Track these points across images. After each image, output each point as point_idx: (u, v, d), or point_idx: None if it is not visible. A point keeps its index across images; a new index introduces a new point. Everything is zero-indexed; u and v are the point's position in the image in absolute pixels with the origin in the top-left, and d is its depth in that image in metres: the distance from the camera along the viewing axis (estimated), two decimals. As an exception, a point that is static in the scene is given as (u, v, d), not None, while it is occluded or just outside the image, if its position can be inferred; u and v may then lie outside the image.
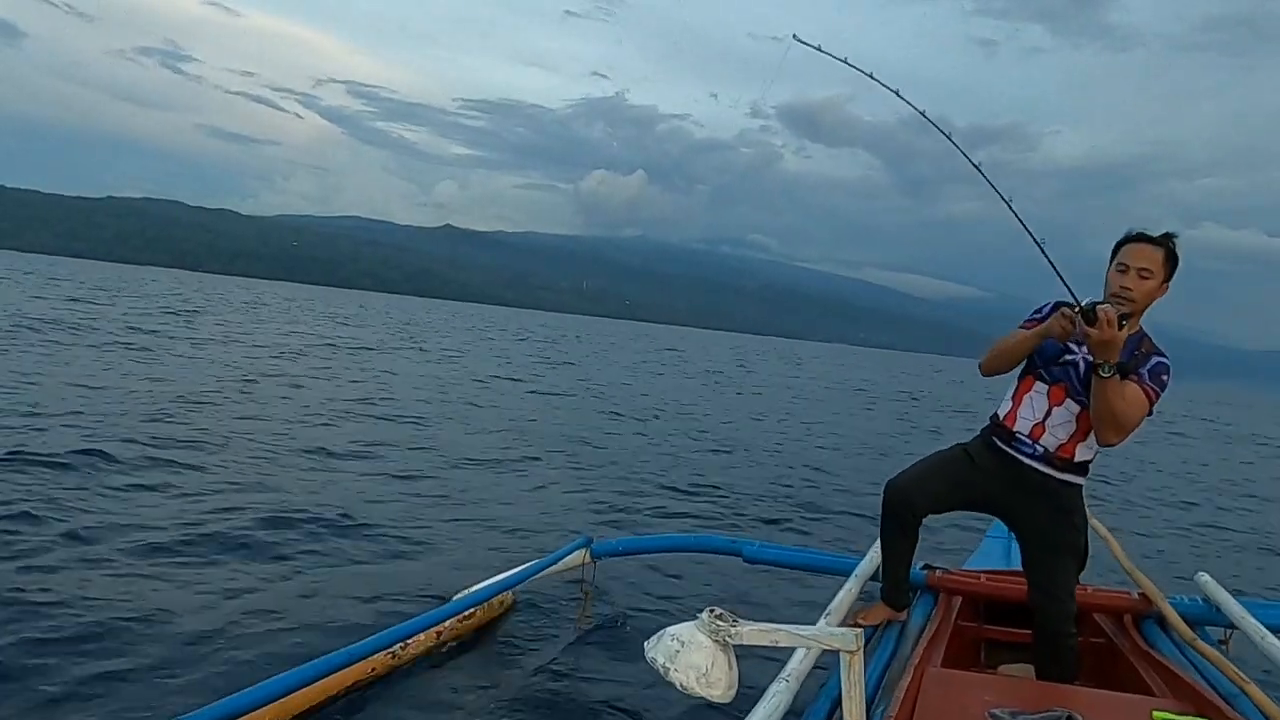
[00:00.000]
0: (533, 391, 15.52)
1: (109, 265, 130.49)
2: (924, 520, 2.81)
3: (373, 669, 3.11)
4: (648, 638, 1.60)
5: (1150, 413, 2.49)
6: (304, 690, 2.56)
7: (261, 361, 14.88)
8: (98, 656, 3.07)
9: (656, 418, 13.27)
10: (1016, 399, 2.68)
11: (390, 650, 3.17)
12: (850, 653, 1.55)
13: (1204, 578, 3.20)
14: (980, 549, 4.29)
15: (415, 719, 2.91)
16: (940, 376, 54.62)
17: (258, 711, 2.38)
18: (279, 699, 2.42)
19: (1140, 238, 2.51)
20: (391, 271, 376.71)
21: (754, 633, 1.58)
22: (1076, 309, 2.35)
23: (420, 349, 24.09)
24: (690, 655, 1.56)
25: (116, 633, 3.27)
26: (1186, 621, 2.85)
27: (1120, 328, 2.28)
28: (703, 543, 4.07)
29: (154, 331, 18.38)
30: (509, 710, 3.04)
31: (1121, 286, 2.46)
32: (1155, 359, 2.50)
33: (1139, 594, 3.06)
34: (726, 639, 1.57)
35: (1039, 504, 2.61)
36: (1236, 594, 3.06)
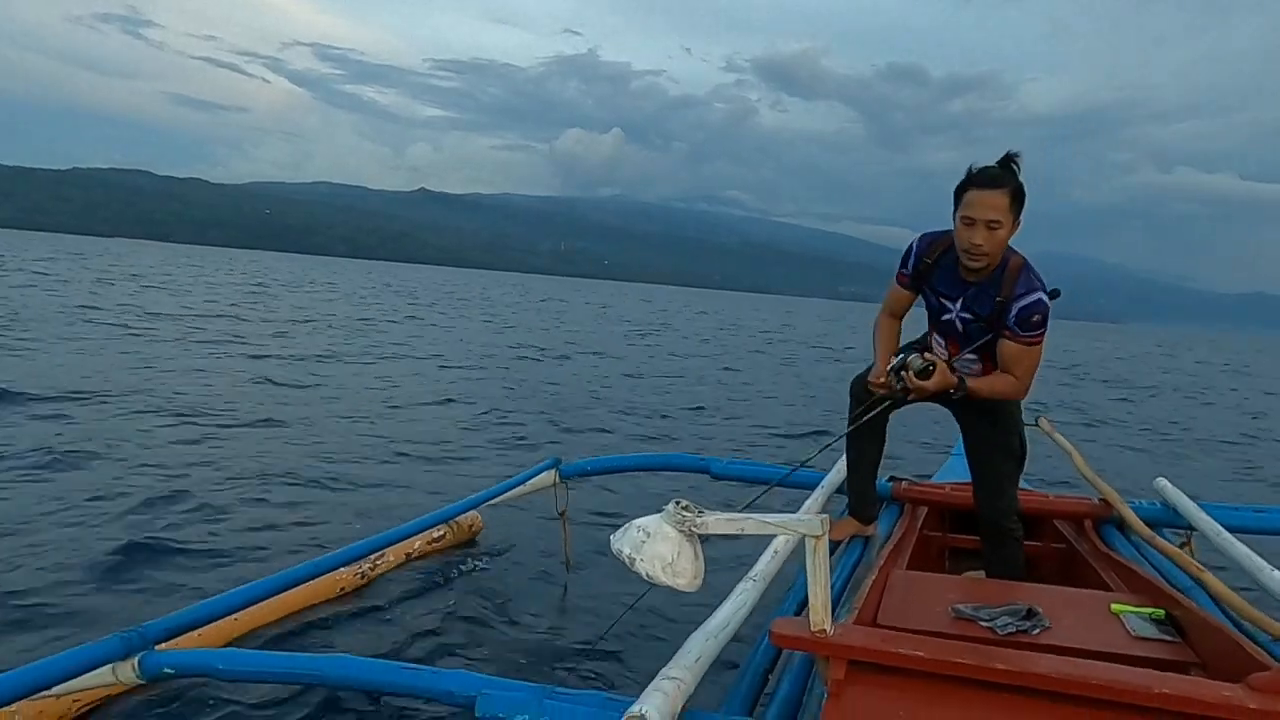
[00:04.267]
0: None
1: (74, 239, 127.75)
2: (887, 429, 2.80)
3: (341, 587, 3.14)
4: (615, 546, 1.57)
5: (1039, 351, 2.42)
6: (269, 601, 2.56)
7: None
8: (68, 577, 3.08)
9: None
10: (930, 336, 2.70)
11: (359, 569, 3.20)
12: (815, 537, 1.54)
13: (1162, 482, 3.22)
14: (946, 465, 4.31)
15: (383, 635, 2.93)
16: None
17: (224, 620, 2.41)
18: (246, 608, 2.43)
19: (982, 181, 2.30)
20: (367, 237, 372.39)
21: (720, 521, 1.57)
22: (892, 372, 2.47)
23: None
24: (656, 545, 1.55)
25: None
26: (1145, 523, 2.89)
27: (928, 377, 2.37)
28: (670, 461, 4.03)
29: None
30: (476, 627, 3.05)
31: (972, 244, 2.31)
32: (1018, 305, 2.33)
33: (1099, 499, 3.10)
34: (692, 529, 1.56)
35: (968, 408, 2.64)
36: (1194, 498, 3.07)
